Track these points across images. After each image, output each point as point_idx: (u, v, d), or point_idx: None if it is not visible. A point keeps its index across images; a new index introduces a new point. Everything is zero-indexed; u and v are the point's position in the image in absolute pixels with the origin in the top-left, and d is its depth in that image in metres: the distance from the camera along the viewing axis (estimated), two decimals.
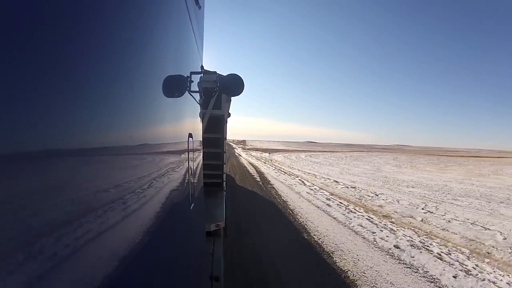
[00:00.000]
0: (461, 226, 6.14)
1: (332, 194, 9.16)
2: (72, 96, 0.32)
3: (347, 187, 10.54)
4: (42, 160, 0.27)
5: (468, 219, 6.69)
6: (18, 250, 0.23)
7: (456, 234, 5.66)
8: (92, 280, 0.36)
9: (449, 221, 6.51)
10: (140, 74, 0.59)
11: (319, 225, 5.83)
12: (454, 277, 3.76)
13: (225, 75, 1.45)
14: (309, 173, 14.95)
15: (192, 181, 1.35)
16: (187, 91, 1.15)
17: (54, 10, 0.28)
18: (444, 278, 3.73)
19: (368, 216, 6.62)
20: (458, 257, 4.40)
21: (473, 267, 4.07)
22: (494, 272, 3.97)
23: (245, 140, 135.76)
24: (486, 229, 6.06)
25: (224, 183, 4.53)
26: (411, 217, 6.80)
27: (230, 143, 69.76)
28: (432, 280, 3.68)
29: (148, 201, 0.61)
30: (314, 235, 5.23)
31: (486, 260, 4.37)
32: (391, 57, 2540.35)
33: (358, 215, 6.72)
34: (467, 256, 4.47)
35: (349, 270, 3.88)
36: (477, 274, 3.87)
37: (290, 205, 7.48)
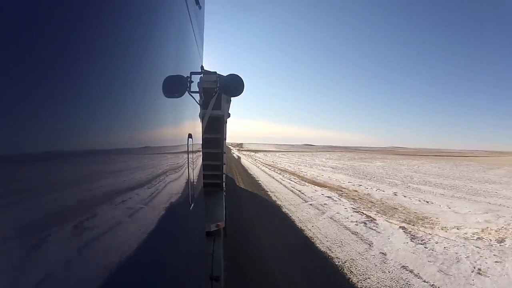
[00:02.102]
0: (292, 168, 19.72)
1: (263, 163, 23.28)
2: (72, 96, 0.32)
3: (274, 162, 24.58)
4: (41, 160, 0.27)
5: (298, 168, 20.25)
6: (18, 251, 0.23)
7: (280, 165, 19.38)
8: (93, 280, 0.37)
9: (289, 165, 20.13)
10: (141, 74, 0.60)
11: (248, 166, 20.09)
12: (264, 167, 17.35)
13: (225, 75, 1.46)
14: (265, 159, 29.02)
15: (192, 181, 1.36)
16: (187, 92, 1.17)
17: (54, 11, 0.29)
18: (265, 173, 17.26)
19: (269, 166, 20.41)
20: (274, 170, 17.99)
21: (273, 171, 17.68)
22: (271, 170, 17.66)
23: (242, 143, 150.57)
24: (291, 164, 19.63)
25: (224, 183, 4.65)
26: (282, 167, 20.55)
27: (229, 145, 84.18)
28: (263, 171, 17.21)
29: (148, 201, 0.62)
30: (245, 166, 19.59)
31: (280, 170, 17.94)
32: (392, 60, 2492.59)
33: (265, 166, 20.63)
34: (276, 168, 18.06)
35: (248, 168, 17.53)
36: (271, 171, 17.52)
37: (243, 163, 22.27)
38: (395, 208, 7.69)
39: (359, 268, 4.03)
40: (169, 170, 0.84)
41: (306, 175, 15.21)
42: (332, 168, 20.72)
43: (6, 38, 0.22)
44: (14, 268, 0.23)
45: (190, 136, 1.30)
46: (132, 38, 0.54)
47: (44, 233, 0.27)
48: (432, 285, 3.59)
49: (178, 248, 0.97)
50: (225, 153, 4.23)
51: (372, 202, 8.46)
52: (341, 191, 10.24)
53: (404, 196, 9.33)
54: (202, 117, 2.66)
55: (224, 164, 4.30)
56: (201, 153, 2.19)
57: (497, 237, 5.36)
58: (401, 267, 4.07)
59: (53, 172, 0.29)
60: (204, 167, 3.02)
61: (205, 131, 2.97)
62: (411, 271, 3.94)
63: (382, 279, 3.73)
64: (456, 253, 4.57)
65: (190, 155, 1.30)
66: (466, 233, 5.56)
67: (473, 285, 3.60)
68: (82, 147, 0.35)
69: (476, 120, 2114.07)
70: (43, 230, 0.27)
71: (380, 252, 4.59)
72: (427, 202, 8.53)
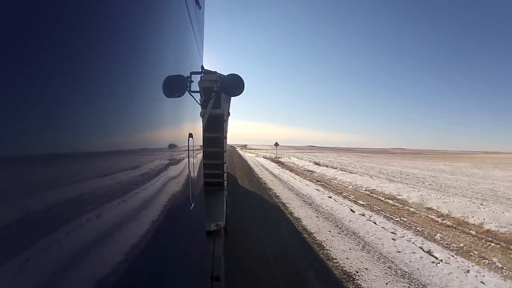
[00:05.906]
0: (260, 154, 44.80)
1: (250, 153, 48.99)
2: (71, 96, 0.32)
3: (256, 153, 49.85)
4: (42, 161, 0.27)
5: (261, 154, 45.35)
6: (18, 251, 0.23)
7: (257, 153, 44.71)
8: (93, 280, 0.37)
9: (261, 153, 45.35)
10: (141, 74, 0.60)
11: (241, 152, 46.43)
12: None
13: (225, 75, 1.48)
14: (254, 152, 54.58)
15: (193, 180, 1.36)
16: (187, 91, 1.17)
17: (54, 11, 0.29)
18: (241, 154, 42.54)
19: (251, 153, 45.95)
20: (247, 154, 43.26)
21: (250, 154, 42.98)
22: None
23: (246, 145, 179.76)
24: (264, 153, 44.81)
25: (225, 182, 4.64)
26: (257, 154, 45.77)
27: (235, 146, 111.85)
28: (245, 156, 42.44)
29: (148, 201, 0.62)
30: (240, 154, 45.53)
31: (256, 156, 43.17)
32: (399, 61, 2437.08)
33: (249, 153, 46.27)
34: (254, 154, 43.22)
35: (240, 153, 43.41)
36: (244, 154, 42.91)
37: (240, 154, 48.30)
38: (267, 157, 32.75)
39: (245, 156, 30.42)
40: (170, 170, 0.85)
41: (260, 154, 40.22)
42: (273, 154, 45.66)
43: (6, 38, 0.22)
44: (14, 268, 0.23)
45: (190, 135, 1.33)
46: (132, 38, 0.54)
47: (45, 233, 0.27)
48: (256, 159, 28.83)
49: (179, 248, 0.99)
50: (225, 151, 4.30)
51: (266, 157, 33.43)
52: (266, 157, 35.03)
53: (285, 157, 34.50)
54: (202, 116, 2.61)
55: (225, 163, 4.36)
56: (201, 153, 2.19)
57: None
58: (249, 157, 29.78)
59: (53, 172, 0.29)
60: (205, 166, 3.02)
61: (205, 130, 2.96)
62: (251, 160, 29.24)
63: (252, 158, 29.23)
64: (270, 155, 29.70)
65: (191, 155, 1.31)
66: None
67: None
68: (82, 147, 0.35)
69: (479, 121, 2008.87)
70: (43, 231, 0.27)
71: (243, 156, 31.36)
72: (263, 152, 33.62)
